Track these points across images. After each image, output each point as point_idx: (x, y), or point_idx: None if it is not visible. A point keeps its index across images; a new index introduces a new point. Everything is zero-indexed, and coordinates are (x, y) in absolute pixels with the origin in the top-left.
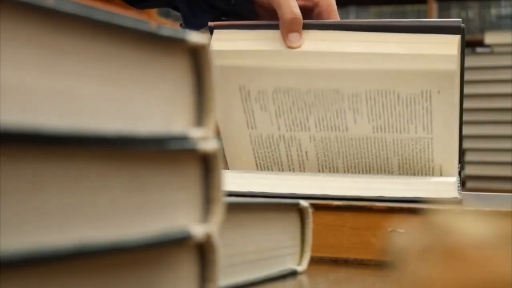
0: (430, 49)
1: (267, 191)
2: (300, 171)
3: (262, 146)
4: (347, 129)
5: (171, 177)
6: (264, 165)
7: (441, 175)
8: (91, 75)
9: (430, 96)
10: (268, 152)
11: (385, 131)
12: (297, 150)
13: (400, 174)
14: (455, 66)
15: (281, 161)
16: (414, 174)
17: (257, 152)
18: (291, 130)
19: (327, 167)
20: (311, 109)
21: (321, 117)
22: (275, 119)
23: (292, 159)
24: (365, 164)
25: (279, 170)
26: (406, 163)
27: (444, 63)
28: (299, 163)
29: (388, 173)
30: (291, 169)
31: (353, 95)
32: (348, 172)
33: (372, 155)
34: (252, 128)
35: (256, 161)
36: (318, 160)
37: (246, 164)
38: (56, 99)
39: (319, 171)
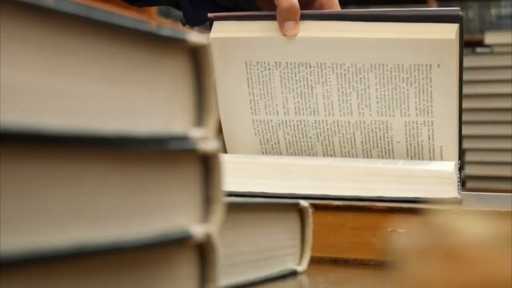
0: (428, 36)
1: (267, 191)
2: (303, 154)
3: (264, 130)
4: (351, 112)
5: (171, 177)
6: (266, 149)
7: (441, 158)
8: (91, 75)
9: (430, 70)
10: (270, 137)
11: (387, 115)
12: (300, 134)
13: (396, 156)
14: (454, 37)
15: (281, 147)
16: (415, 158)
17: (259, 136)
18: (296, 114)
19: (327, 152)
20: (307, 89)
21: (325, 99)
22: (280, 100)
23: (294, 142)
24: (367, 149)
25: (280, 153)
26: (406, 147)
27: (443, 37)
28: (302, 147)
29: (389, 157)
30: (293, 152)
31: (354, 72)
32: (347, 157)
33: (374, 140)
34: (255, 113)
35: (258, 143)
36: (319, 145)
37: (247, 150)
38: (56, 99)
39: (322, 155)
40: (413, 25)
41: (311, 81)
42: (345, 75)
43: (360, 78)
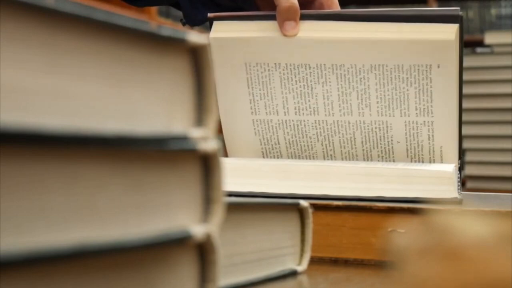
0: (428, 36)
1: (267, 191)
2: (303, 157)
3: (264, 130)
4: (351, 112)
5: (171, 177)
6: (266, 149)
7: (441, 158)
8: (91, 75)
9: (430, 70)
10: (270, 137)
11: (387, 115)
12: (300, 134)
13: (398, 159)
14: (453, 37)
15: (281, 147)
16: (415, 159)
17: (259, 136)
18: (296, 114)
19: (327, 152)
20: (307, 89)
21: (325, 99)
22: (279, 100)
23: (294, 142)
24: (367, 149)
25: (280, 156)
26: (406, 147)
27: (443, 38)
28: (302, 147)
29: (389, 159)
30: (293, 155)
31: (354, 72)
32: (347, 157)
33: (374, 140)
34: (255, 113)
35: (258, 146)
36: (319, 145)
37: (247, 150)
38: (56, 99)
39: (322, 155)
40: (413, 25)
41: (311, 81)
42: (345, 75)
43: (360, 78)
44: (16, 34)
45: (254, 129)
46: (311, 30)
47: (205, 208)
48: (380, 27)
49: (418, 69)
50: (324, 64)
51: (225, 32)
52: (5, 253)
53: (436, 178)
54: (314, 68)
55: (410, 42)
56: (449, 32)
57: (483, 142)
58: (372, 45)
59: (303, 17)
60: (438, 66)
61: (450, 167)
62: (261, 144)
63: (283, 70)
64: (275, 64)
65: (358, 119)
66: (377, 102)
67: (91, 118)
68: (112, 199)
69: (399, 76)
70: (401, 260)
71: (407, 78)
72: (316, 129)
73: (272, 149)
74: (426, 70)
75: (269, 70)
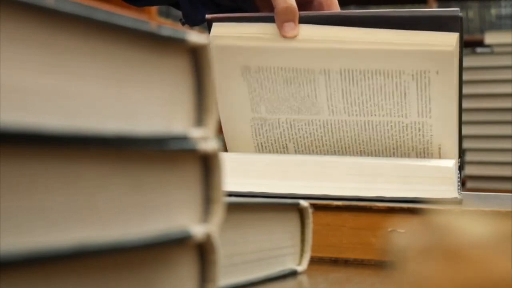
0: (428, 48)
1: (267, 191)
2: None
3: (263, 128)
4: (346, 113)
5: (171, 177)
6: (264, 146)
7: (440, 157)
8: (91, 75)
9: (429, 78)
10: (268, 135)
11: (382, 115)
12: (296, 135)
13: (396, 155)
14: (453, 47)
15: (280, 145)
16: (412, 156)
17: (257, 134)
18: (292, 114)
19: (328, 151)
20: (308, 91)
21: (324, 100)
22: (277, 101)
23: (292, 143)
24: (364, 148)
25: (278, 152)
26: (403, 145)
27: (443, 47)
28: (298, 147)
29: (385, 155)
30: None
31: (350, 77)
32: (342, 150)
33: (369, 138)
34: (254, 111)
35: (256, 142)
36: (317, 145)
37: (245, 146)
38: (56, 99)
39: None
40: (413, 34)
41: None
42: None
43: (359, 79)
44: (16, 34)
45: (254, 128)
46: (310, 35)
47: (205, 208)
48: (379, 35)
49: (418, 72)
50: (313, 70)
51: (224, 34)
52: (5, 253)
53: (436, 178)
54: (318, 74)
55: (410, 51)
56: (449, 41)
57: (483, 142)
58: (371, 54)
59: (302, 19)
60: (437, 73)
61: (450, 164)
62: (258, 141)
63: (283, 72)
64: (274, 66)
65: (355, 120)
66: (370, 105)
67: (91, 118)
68: (112, 199)
69: (396, 79)
70: (401, 260)
71: (408, 83)
72: (314, 126)
73: (267, 143)
74: (426, 76)
75: (268, 71)
